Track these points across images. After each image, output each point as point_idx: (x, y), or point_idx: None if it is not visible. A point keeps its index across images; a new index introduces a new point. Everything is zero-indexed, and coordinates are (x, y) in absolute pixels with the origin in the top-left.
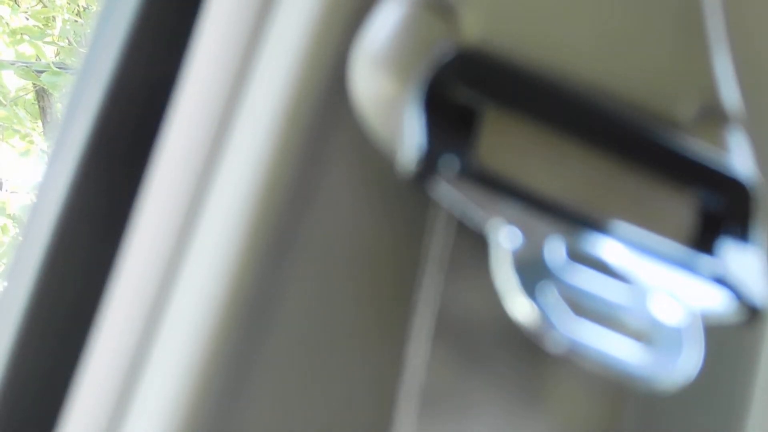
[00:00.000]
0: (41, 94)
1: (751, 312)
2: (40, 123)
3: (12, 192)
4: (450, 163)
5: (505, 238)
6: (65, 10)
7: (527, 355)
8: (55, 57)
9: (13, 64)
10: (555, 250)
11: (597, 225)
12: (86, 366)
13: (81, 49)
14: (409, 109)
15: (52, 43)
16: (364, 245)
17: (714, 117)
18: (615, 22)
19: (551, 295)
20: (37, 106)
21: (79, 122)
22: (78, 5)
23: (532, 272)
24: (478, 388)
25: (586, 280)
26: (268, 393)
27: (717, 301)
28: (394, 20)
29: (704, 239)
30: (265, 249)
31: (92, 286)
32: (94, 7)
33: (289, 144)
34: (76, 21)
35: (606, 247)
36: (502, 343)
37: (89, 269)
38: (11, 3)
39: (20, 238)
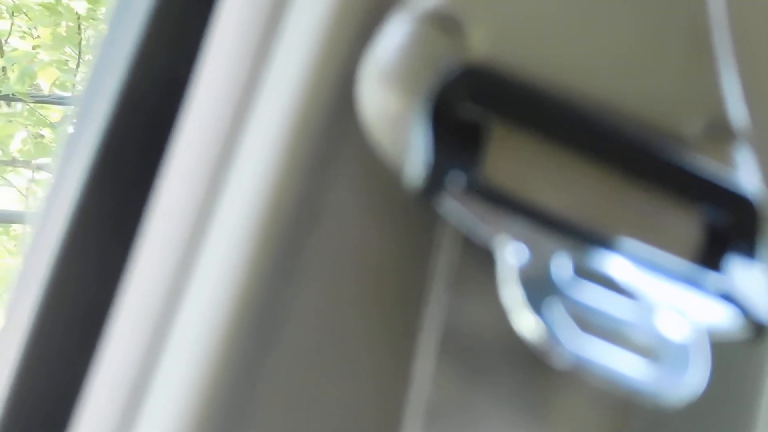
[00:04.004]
0: None
1: (757, 328)
2: None
3: None
4: (457, 178)
5: (511, 254)
6: None
7: (534, 370)
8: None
9: None
10: (562, 266)
11: (604, 241)
12: (96, 372)
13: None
14: (416, 125)
15: None
16: (370, 260)
17: (721, 133)
18: (622, 39)
19: (558, 311)
20: None
21: (89, 129)
22: None
23: (539, 288)
24: (484, 403)
25: (592, 296)
26: (274, 405)
27: (723, 318)
28: (401, 36)
29: (711, 256)
30: (272, 262)
31: (102, 294)
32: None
33: (297, 159)
34: None
35: (613, 264)
36: (509, 359)
37: (98, 277)
38: None
39: (30, 242)
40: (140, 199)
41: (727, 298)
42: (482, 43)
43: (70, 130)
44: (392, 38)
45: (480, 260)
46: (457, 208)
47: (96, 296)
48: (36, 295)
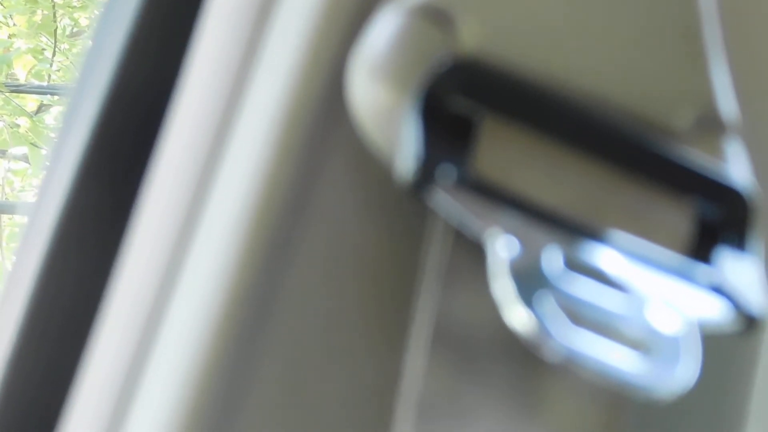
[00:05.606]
0: None
1: (748, 321)
2: None
3: None
4: (447, 172)
5: (502, 248)
6: None
7: (525, 364)
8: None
9: None
10: (552, 259)
11: (594, 234)
12: (87, 367)
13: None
14: (407, 119)
15: None
16: (362, 254)
17: (711, 126)
18: (612, 32)
19: (549, 304)
20: None
21: (79, 127)
22: None
23: (530, 281)
24: (475, 396)
25: (583, 289)
26: (265, 399)
27: (714, 310)
28: (391, 30)
29: (701, 248)
30: (263, 257)
31: (92, 290)
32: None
33: (287, 153)
34: None
35: (603, 257)
36: (500, 352)
37: (89, 271)
38: None
39: (20, 239)
40: (130, 194)
41: (718, 290)
42: (473, 37)
43: (60, 124)
44: (382, 31)
45: (471, 253)
46: (447, 202)
47: (86, 291)
48: (26, 290)
